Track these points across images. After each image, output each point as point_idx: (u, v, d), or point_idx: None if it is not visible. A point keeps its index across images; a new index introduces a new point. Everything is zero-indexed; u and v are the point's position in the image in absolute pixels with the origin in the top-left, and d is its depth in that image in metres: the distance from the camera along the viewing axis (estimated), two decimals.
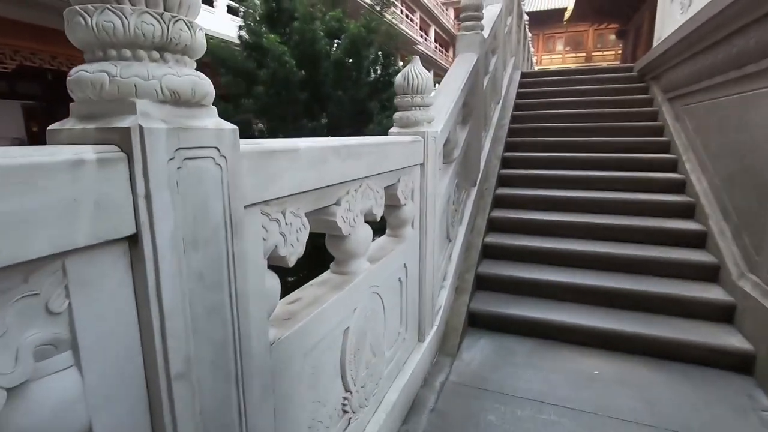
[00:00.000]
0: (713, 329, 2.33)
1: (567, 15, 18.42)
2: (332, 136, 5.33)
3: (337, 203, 1.23)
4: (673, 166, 3.66)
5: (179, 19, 0.61)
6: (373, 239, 1.95)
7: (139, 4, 0.58)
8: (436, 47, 23.68)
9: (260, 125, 5.18)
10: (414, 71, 1.92)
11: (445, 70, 3.58)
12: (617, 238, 3.07)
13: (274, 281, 0.96)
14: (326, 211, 1.21)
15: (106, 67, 0.58)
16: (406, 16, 19.04)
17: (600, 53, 25.46)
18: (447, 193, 2.53)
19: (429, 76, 1.98)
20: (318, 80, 4.84)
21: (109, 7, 0.56)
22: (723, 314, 2.42)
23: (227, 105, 4.80)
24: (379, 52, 5.37)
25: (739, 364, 2.17)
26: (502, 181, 3.95)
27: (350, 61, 4.89)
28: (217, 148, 0.69)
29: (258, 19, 4.91)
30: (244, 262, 0.79)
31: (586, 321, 2.47)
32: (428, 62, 22.48)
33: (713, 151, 3.11)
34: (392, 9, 5.98)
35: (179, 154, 0.62)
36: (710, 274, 2.68)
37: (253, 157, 0.81)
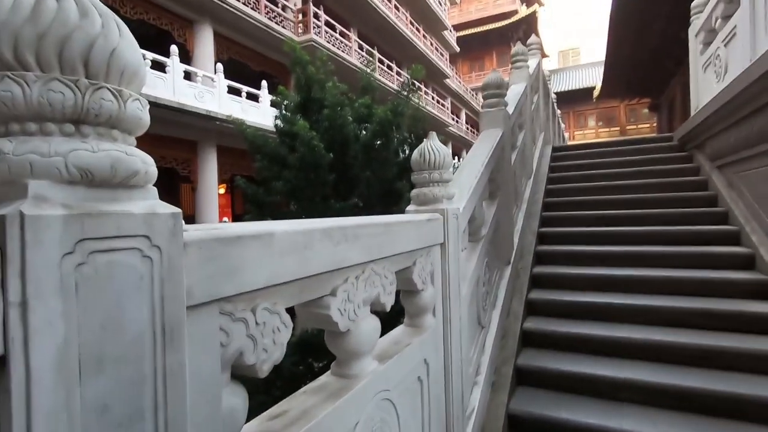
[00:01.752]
0: None
1: (596, 93, 18.85)
2: (361, 215, 5.32)
3: (333, 293, 1.06)
4: (735, 238, 3.26)
5: (101, 87, 0.52)
6: (390, 330, 1.75)
7: (50, 71, 0.49)
8: (467, 128, 24.61)
9: (292, 207, 5.28)
10: (430, 146, 1.83)
11: None
12: (683, 323, 2.64)
13: (236, 400, 0.77)
14: (318, 304, 1.04)
15: (1, 144, 0.48)
16: (438, 101, 20.14)
17: (634, 126, 25.48)
18: (476, 275, 2.30)
19: (447, 151, 1.88)
20: (347, 162, 4.95)
21: (9, 74, 0.47)
22: None
23: (258, 188, 4.95)
24: (408, 134, 5.51)
25: None
26: (540, 258, 3.65)
27: (378, 143, 5.01)
28: (146, 237, 0.56)
29: (292, 107, 5.23)
30: (182, 380, 0.61)
31: (655, 430, 2.01)
32: (461, 142, 23.26)
33: None
34: (420, 93, 6.28)
35: (82, 247, 0.49)
36: None
37: (207, 246, 0.67)
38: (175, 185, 11.22)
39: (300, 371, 4.80)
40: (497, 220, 2.88)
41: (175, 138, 8.66)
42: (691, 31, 4.84)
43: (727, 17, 3.77)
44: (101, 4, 0.54)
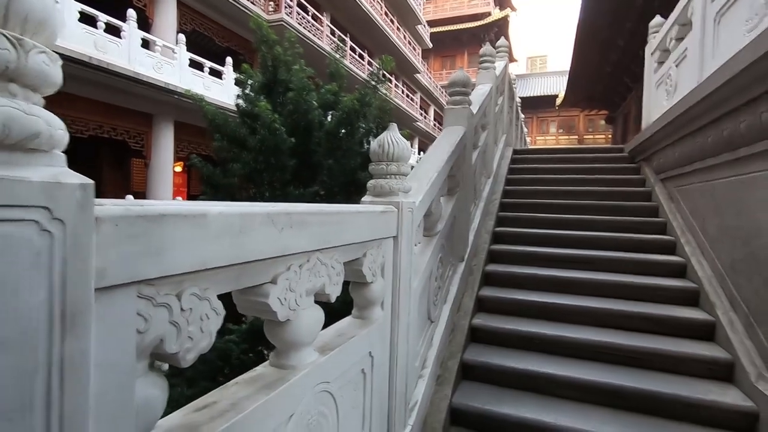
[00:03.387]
0: None
1: (558, 101, 19.57)
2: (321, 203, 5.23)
3: (273, 281, 1.01)
4: (671, 248, 3.48)
5: None
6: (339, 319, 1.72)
7: None
8: (435, 125, 24.82)
9: (251, 192, 5.11)
10: (390, 138, 1.80)
11: None
12: (619, 325, 2.79)
13: (153, 390, 0.71)
14: (257, 291, 0.99)
15: None
16: (408, 96, 20.15)
17: (591, 137, 26.73)
18: (428, 269, 2.32)
19: (407, 144, 1.86)
20: (310, 149, 4.83)
21: None
22: (744, 423, 2.07)
23: (215, 169, 4.75)
24: (375, 125, 5.46)
25: None
26: (493, 257, 3.74)
27: (343, 132, 4.92)
28: (46, 209, 0.50)
29: (256, 87, 5.04)
30: (84, 370, 0.55)
31: (588, 426, 2.10)
32: (427, 138, 23.44)
33: (713, 235, 2.95)
34: (389, 85, 6.22)
35: None
36: (724, 371, 2.36)
37: (126, 223, 0.61)
38: (126, 159, 10.59)
39: (250, 359, 4.69)
40: (454, 216, 2.91)
41: (128, 109, 8.15)
42: (648, 49, 5.09)
43: (680, 39, 3.98)
44: None
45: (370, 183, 1.82)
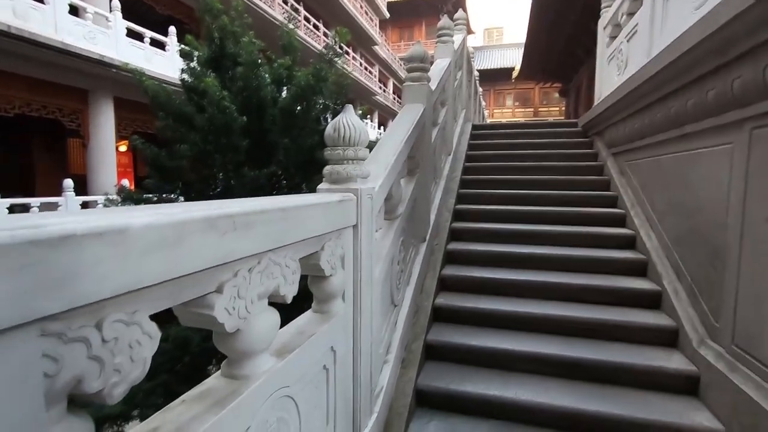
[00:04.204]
0: (679, 404, 2.12)
1: (515, 74, 19.81)
2: (280, 185, 5.03)
3: (218, 290, 0.92)
4: (621, 221, 3.62)
5: None
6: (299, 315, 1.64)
7: None
8: (394, 98, 24.52)
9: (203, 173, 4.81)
10: (346, 121, 1.70)
11: None
12: (576, 298, 2.90)
13: None
14: (199, 303, 0.89)
15: None
16: (366, 68, 19.67)
17: (546, 109, 27.47)
18: (391, 254, 2.27)
19: (364, 127, 1.76)
20: (264, 128, 4.59)
21: None
22: (687, 386, 2.22)
23: (160, 151, 4.42)
24: (333, 101, 5.25)
25: None
26: (454, 235, 3.76)
27: (298, 108, 4.71)
28: None
29: (202, 60, 4.68)
30: None
31: (546, 399, 2.19)
32: (387, 112, 23.17)
33: (660, 209, 3.08)
34: (347, 58, 5.97)
35: None
36: (669, 338, 2.52)
37: (16, 252, 0.50)
38: (62, 140, 9.73)
39: (210, 346, 4.55)
40: (415, 198, 2.86)
41: (60, 84, 7.42)
42: (600, 24, 5.16)
43: (631, 14, 4.04)
44: None
45: (326, 169, 1.72)
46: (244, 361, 1.06)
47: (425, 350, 2.59)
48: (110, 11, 7.83)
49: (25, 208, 6.49)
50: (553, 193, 4.12)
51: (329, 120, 5.32)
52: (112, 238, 0.62)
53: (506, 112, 29.12)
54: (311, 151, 4.80)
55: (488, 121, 16.72)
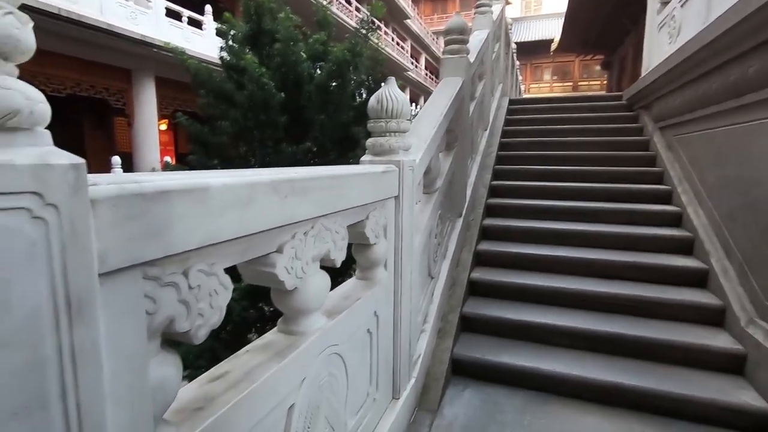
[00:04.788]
0: (723, 383, 2.09)
1: (554, 46, 18.91)
2: (316, 161, 5.12)
3: (279, 251, 0.99)
4: (668, 197, 3.49)
5: None
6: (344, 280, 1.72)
7: None
8: (426, 74, 24.02)
9: (241, 150, 4.96)
10: (388, 93, 1.71)
11: None
12: (615, 275, 2.85)
13: (167, 369, 0.70)
14: (263, 261, 0.96)
15: None
16: (397, 43, 19.31)
17: (586, 83, 26.12)
18: (428, 227, 2.30)
19: (406, 99, 1.78)
20: (300, 104, 4.65)
21: None
22: (732, 365, 2.18)
23: (203, 127, 4.58)
24: (366, 77, 5.23)
25: (752, 426, 1.91)
26: (490, 211, 3.74)
27: (334, 84, 4.72)
28: (37, 194, 0.45)
29: (239, 38, 4.76)
30: (96, 357, 0.53)
31: (583, 372, 2.21)
32: (419, 88, 22.77)
33: (711, 184, 2.94)
34: (380, 33, 5.90)
35: None
36: (715, 317, 2.45)
37: (124, 204, 0.57)
38: (109, 119, 10.20)
39: (251, 315, 4.77)
40: (452, 172, 2.87)
41: (105, 65, 7.74)
42: None
43: None
44: None
45: (369, 141, 1.76)
46: (300, 318, 1.14)
47: (461, 322, 2.64)
48: None
49: None
50: (593, 168, 3.99)
51: (363, 96, 5.33)
52: (197, 195, 0.69)
53: (543, 86, 27.91)
54: (346, 127, 4.83)
55: (525, 96, 16.14)
